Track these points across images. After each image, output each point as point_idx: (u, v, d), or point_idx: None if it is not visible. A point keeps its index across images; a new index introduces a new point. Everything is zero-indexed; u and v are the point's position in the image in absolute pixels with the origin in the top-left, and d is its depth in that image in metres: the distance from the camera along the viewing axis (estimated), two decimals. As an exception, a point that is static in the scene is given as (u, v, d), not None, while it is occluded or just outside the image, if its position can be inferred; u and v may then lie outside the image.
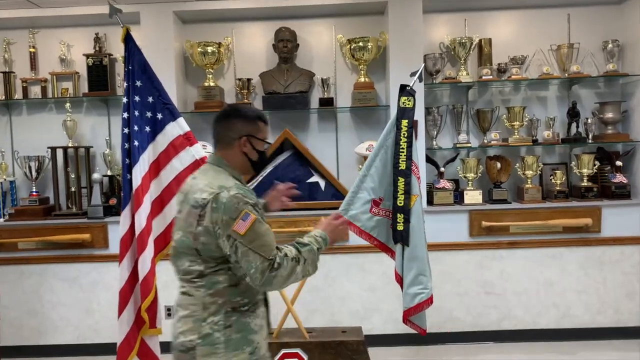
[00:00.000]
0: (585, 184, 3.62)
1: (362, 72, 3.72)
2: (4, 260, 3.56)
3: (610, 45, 3.68)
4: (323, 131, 3.89)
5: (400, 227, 2.64)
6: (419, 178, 2.68)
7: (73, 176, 3.72)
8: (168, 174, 2.73)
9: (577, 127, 3.72)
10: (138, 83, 2.74)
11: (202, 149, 2.82)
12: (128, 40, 2.75)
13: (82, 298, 3.59)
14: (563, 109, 3.83)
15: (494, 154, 3.79)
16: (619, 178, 3.59)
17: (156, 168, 2.74)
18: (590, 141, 3.71)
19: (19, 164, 3.76)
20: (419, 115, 3.50)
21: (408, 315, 2.66)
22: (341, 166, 3.86)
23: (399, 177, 2.63)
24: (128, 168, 2.73)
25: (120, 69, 3.74)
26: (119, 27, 2.73)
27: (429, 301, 2.65)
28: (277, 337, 2.77)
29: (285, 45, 3.66)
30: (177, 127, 2.74)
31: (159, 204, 2.74)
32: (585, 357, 3.36)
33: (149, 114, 2.75)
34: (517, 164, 3.67)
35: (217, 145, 1.73)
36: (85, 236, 3.53)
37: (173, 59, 3.60)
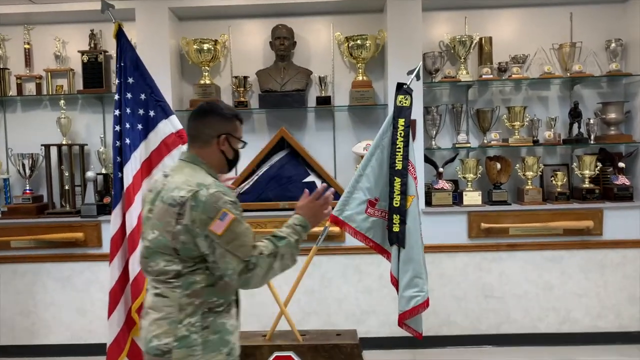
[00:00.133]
0: (587, 185, 3.56)
1: (360, 70, 3.66)
2: (-4, 259, 3.53)
3: (613, 45, 3.62)
4: (320, 130, 3.83)
5: (396, 229, 2.59)
6: (415, 178, 2.64)
7: (67, 174, 3.69)
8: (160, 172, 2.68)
9: (579, 127, 3.66)
10: (130, 80, 2.71)
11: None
12: (120, 36, 2.72)
13: (75, 298, 3.55)
14: (565, 109, 3.77)
15: (493, 154, 3.73)
16: (622, 180, 3.53)
17: (148, 166, 2.71)
18: (592, 142, 3.64)
19: (13, 161, 3.73)
20: (418, 114, 3.45)
21: (403, 319, 2.62)
22: (338, 166, 3.81)
23: (395, 178, 2.59)
24: (119, 166, 2.70)
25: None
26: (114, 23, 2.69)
27: (425, 304, 2.60)
28: (270, 340, 2.72)
29: (282, 43, 3.61)
30: (170, 125, 2.71)
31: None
32: (585, 362, 3.32)
33: (141, 112, 2.72)
34: (518, 165, 3.62)
35: (192, 143, 1.71)
36: (79, 235, 3.49)
37: (169, 56, 3.56)
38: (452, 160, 3.69)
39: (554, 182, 3.61)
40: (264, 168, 3.53)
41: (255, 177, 3.53)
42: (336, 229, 2.73)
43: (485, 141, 3.69)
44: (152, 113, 2.71)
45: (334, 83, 3.78)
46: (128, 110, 2.69)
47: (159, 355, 1.57)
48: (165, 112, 2.72)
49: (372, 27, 3.69)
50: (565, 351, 3.43)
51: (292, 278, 2.77)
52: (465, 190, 3.59)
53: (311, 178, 3.50)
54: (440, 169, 3.62)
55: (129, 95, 2.69)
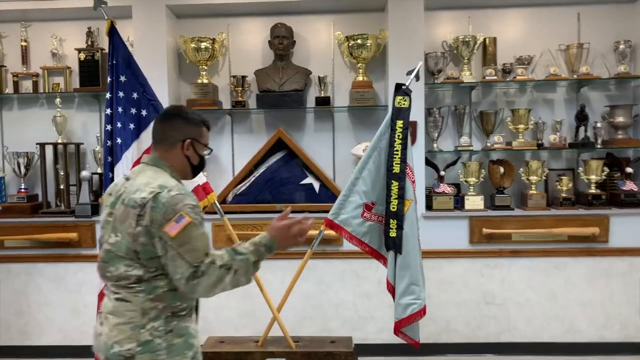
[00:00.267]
0: (593, 191, 3.46)
1: (361, 70, 3.59)
2: (-10, 259, 3.49)
3: (622, 46, 3.52)
4: (319, 131, 3.76)
5: (392, 234, 2.52)
6: (413, 182, 2.56)
7: (62, 173, 3.64)
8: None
9: (586, 131, 3.56)
10: (122, 78, 2.66)
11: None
12: (113, 33, 2.68)
13: (68, 299, 3.51)
14: (571, 112, 3.67)
15: (497, 157, 3.64)
16: (629, 186, 3.43)
17: (140, 167, 2.64)
18: (599, 146, 3.55)
19: (8, 159, 3.69)
20: (419, 116, 3.38)
21: (400, 327, 2.55)
22: (337, 168, 3.73)
23: (393, 181, 2.52)
24: (110, 166, 2.65)
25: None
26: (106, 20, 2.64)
27: (422, 312, 2.53)
28: (262, 346, 2.66)
29: (281, 42, 3.54)
30: (162, 125, 2.64)
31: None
32: (589, 374, 3.23)
33: (133, 111, 2.67)
34: (521, 169, 3.52)
35: (157, 146, 1.70)
36: (73, 235, 3.45)
37: (166, 55, 3.50)
38: (454, 163, 3.60)
39: (558, 187, 3.51)
40: (261, 169, 3.46)
41: (252, 179, 3.47)
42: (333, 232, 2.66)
43: (489, 144, 3.60)
44: (144, 112, 2.67)
45: (334, 83, 3.71)
46: (120, 109, 2.65)
47: None
48: (157, 111, 2.66)
49: (373, 26, 3.61)
50: (568, 362, 3.34)
51: (287, 282, 2.71)
52: (467, 194, 3.50)
53: (309, 180, 3.43)
54: (442, 172, 3.53)
55: (121, 94, 2.65)
